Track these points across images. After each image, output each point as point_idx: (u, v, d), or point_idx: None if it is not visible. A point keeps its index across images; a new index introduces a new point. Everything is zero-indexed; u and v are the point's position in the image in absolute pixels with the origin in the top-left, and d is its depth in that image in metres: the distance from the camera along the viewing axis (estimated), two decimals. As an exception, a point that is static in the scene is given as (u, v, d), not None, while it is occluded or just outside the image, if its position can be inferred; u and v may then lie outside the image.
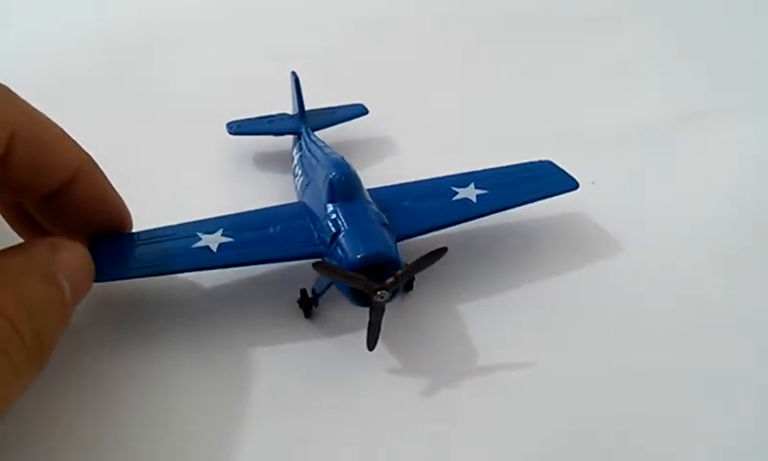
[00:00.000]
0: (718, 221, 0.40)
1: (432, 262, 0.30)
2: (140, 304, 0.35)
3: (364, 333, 0.31)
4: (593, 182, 0.41)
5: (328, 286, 0.33)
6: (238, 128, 0.45)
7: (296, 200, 0.38)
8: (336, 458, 0.29)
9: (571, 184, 0.39)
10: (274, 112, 0.47)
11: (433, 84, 0.53)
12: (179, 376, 0.32)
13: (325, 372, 0.32)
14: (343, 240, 0.32)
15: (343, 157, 0.36)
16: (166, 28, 0.59)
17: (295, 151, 0.42)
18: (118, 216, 0.33)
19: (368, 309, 0.30)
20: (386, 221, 0.34)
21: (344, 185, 0.34)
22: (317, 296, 0.34)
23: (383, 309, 0.30)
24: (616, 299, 0.36)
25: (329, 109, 0.46)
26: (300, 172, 0.39)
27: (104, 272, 0.31)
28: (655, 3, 0.62)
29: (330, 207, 0.34)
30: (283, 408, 0.31)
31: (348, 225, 0.32)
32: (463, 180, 0.38)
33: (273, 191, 0.41)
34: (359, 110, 0.47)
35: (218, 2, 0.64)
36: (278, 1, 0.63)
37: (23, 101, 0.28)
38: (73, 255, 0.28)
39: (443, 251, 0.30)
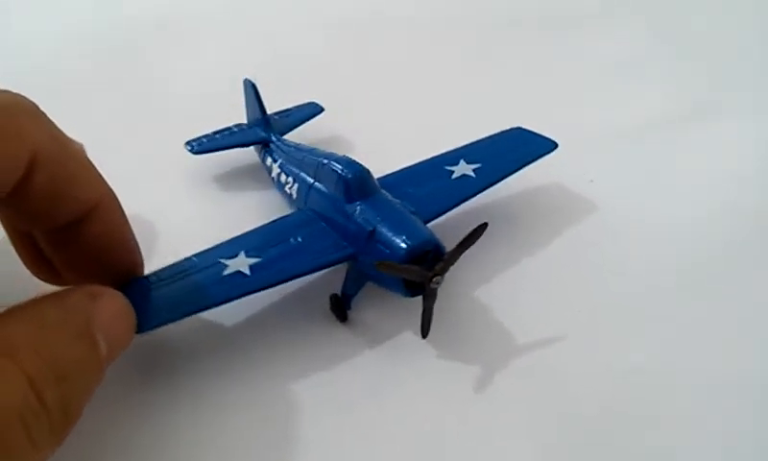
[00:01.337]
0: (718, 218, 0.40)
1: (474, 240, 0.30)
2: (158, 343, 0.34)
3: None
4: (592, 180, 0.42)
5: (361, 286, 0.34)
6: (199, 146, 0.43)
7: (286, 208, 0.38)
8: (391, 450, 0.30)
9: (550, 145, 0.40)
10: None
11: (431, 85, 0.53)
12: (223, 407, 0.31)
13: (367, 372, 0.32)
14: (382, 236, 0.31)
15: (345, 156, 0.36)
16: (162, 28, 0.59)
17: (269, 160, 0.41)
18: (131, 258, 0.31)
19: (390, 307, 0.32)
20: (412, 209, 0.34)
21: (360, 182, 0.34)
22: (349, 298, 0.34)
23: (436, 295, 0.30)
24: (617, 296, 0.36)
25: (285, 111, 0.46)
26: (289, 179, 0.38)
27: (141, 322, 0.28)
28: (655, 2, 0.62)
29: (353, 206, 0.33)
30: (334, 413, 0.31)
31: (382, 220, 0.32)
32: (451, 158, 0.39)
33: (243, 205, 0.42)
34: (315, 109, 0.46)
35: (212, 3, 0.64)
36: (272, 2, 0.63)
37: (51, 122, 0.26)
38: (114, 307, 0.26)
39: (483, 227, 0.30)
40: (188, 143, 0.43)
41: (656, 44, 0.56)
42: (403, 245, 0.31)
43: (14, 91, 0.26)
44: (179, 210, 0.41)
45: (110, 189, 0.29)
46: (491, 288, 0.36)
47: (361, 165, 0.34)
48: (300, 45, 0.57)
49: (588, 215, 0.41)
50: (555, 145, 0.40)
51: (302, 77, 0.45)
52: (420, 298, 0.31)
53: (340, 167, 0.34)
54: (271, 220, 0.36)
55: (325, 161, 0.36)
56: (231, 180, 0.44)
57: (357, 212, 0.33)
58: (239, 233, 0.34)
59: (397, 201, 0.34)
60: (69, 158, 0.27)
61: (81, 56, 0.56)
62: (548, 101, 0.50)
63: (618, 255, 0.38)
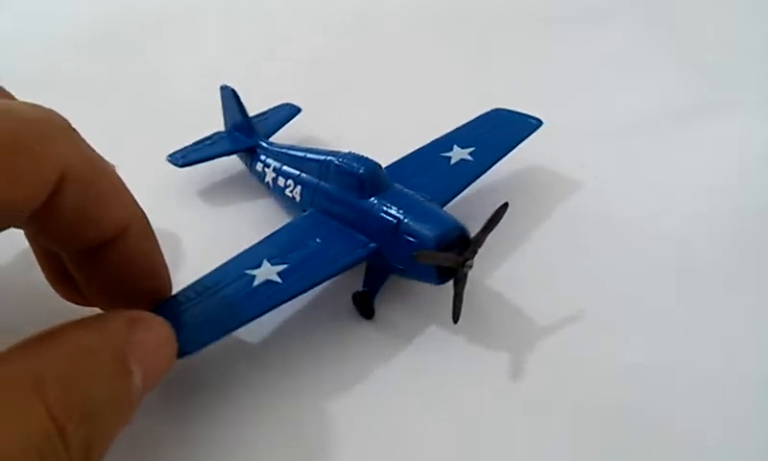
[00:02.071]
0: (718, 216, 0.39)
1: (498, 222, 0.31)
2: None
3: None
4: (582, 165, 0.42)
5: (384, 280, 0.34)
6: (184, 159, 0.40)
7: (282, 212, 0.38)
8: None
9: (535, 123, 0.40)
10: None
11: (430, 82, 0.51)
12: (256, 409, 0.30)
13: (391, 368, 0.32)
14: (409, 227, 0.31)
15: (351, 152, 0.35)
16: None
17: (259, 166, 0.40)
18: (160, 281, 0.30)
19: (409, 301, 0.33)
20: (429, 198, 0.34)
21: (374, 177, 0.33)
22: (374, 294, 0.34)
23: (467, 279, 0.31)
24: (616, 295, 0.35)
25: (261, 115, 0.44)
26: (289, 182, 0.37)
27: (180, 347, 0.27)
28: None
29: (370, 202, 0.33)
30: (368, 411, 0.30)
31: (405, 211, 0.32)
32: (443, 144, 0.39)
33: (233, 215, 0.41)
34: (292, 110, 0.45)
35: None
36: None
37: (83, 140, 0.26)
38: (154, 336, 0.25)
39: (505, 207, 0.31)
40: (171, 156, 0.41)
41: (655, 40, 0.54)
42: (432, 234, 0.31)
43: (46, 106, 0.25)
44: (165, 224, 0.38)
45: (142, 211, 0.28)
46: (496, 277, 0.36)
47: (372, 160, 0.34)
48: (284, 47, 0.56)
49: (588, 209, 0.40)
50: (540, 122, 0.40)
51: (278, 79, 0.43)
52: (427, 285, 0.32)
53: (351, 164, 0.34)
54: (281, 225, 0.35)
55: (332, 159, 0.35)
56: (215, 190, 0.43)
57: (376, 207, 0.33)
58: (237, 243, 0.33)
59: (413, 191, 0.34)
60: (100, 178, 0.26)
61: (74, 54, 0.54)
62: (546, 97, 0.48)
63: (618, 253, 0.37)
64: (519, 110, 0.42)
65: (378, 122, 0.47)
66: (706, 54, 0.52)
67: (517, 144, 0.40)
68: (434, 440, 0.29)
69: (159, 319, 0.26)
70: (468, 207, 0.36)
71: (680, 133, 0.45)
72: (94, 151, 0.26)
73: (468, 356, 0.32)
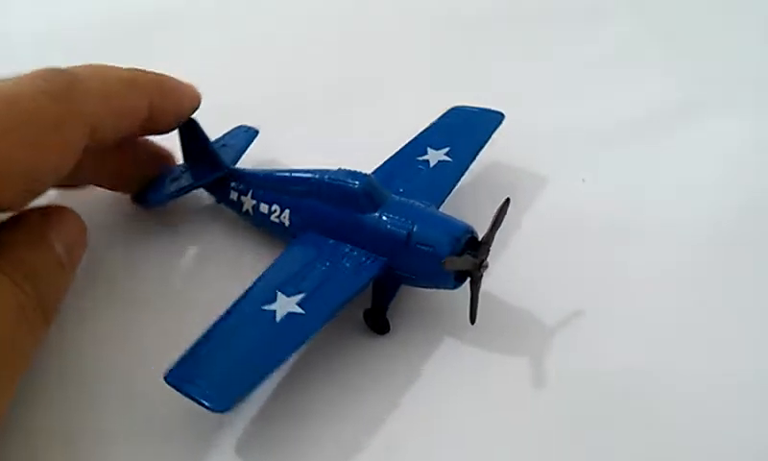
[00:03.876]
0: (713, 216, 0.39)
1: (503, 218, 0.31)
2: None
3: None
4: (584, 180, 0.42)
5: (395, 293, 0.33)
6: (155, 199, 0.38)
7: (266, 241, 0.37)
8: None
9: (499, 117, 0.41)
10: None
11: (407, 86, 0.50)
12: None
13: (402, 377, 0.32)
14: (421, 237, 0.31)
15: (341, 168, 0.34)
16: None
17: (234, 195, 0.38)
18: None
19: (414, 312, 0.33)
20: (429, 204, 0.33)
21: (372, 191, 0.33)
22: (386, 308, 0.33)
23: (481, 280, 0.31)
24: (614, 296, 0.35)
25: (216, 141, 0.41)
26: (275, 208, 0.36)
27: (221, 400, 0.26)
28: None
29: (373, 217, 0.32)
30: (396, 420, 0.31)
31: (413, 221, 0.31)
32: (417, 148, 0.39)
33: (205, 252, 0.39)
34: (250, 132, 0.43)
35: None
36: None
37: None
38: (65, 219, 0.30)
39: (507, 203, 0.31)
40: (142, 198, 0.39)
41: (649, 41, 0.53)
42: (447, 239, 0.31)
43: None
44: (149, 270, 0.37)
45: None
46: (488, 281, 0.35)
47: (365, 174, 0.33)
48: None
49: (582, 213, 0.40)
50: (502, 115, 0.41)
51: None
52: (423, 290, 0.33)
53: (345, 180, 0.33)
54: (269, 253, 0.34)
55: (322, 178, 0.34)
56: (183, 226, 0.40)
57: (382, 221, 0.32)
58: (225, 281, 0.32)
59: (411, 200, 0.33)
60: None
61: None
62: (539, 98, 0.48)
63: (614, 255, 0.37)
64: (528, 128, 0.41)
65: (348, 134, 0.46)
66: (703, 54, 0.52)
67: (488, 139, 0.40)
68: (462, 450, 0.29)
69: (67, 208, 0.31)
70: (458, 208, 0.36)
71: (674, 134, 0.45)
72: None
73: (482, 362, 0.32)
